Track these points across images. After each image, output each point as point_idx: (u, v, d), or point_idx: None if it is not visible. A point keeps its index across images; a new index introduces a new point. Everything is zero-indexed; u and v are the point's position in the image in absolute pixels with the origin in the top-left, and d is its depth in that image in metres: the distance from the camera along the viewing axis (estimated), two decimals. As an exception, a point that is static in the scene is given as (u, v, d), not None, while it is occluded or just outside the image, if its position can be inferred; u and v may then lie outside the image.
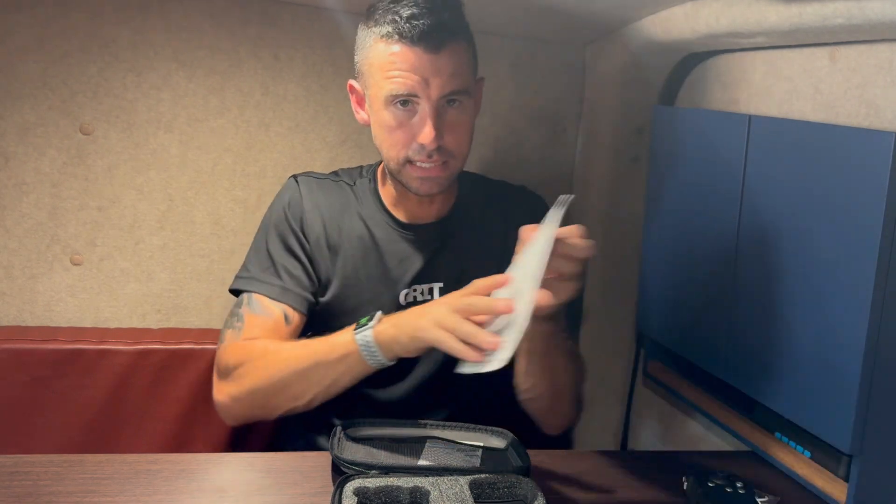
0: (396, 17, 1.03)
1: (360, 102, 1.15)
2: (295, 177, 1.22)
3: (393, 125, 1.07)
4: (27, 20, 1.32)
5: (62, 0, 1.33)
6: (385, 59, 1.05)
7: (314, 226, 1.17)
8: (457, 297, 0.92)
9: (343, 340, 1.00)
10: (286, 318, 1.12)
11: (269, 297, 1.13)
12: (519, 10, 1.33)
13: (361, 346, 0.97)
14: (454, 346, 0.87)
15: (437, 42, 1.03)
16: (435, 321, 0.90)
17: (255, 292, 1.14)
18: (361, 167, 1.27)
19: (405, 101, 1.05)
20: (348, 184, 1.22)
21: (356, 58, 1.12)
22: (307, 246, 1.16)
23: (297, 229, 1.16)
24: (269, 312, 1.12)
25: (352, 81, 1.15)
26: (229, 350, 1.10)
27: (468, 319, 0.88)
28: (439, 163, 1.08)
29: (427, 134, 1.05)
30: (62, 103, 1.36)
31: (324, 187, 1.20)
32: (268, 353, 1.06)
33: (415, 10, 1.02)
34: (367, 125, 1.14)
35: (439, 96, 1.05)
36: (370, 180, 1.22)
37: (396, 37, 1.03)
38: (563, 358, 1.11)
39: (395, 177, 1.13)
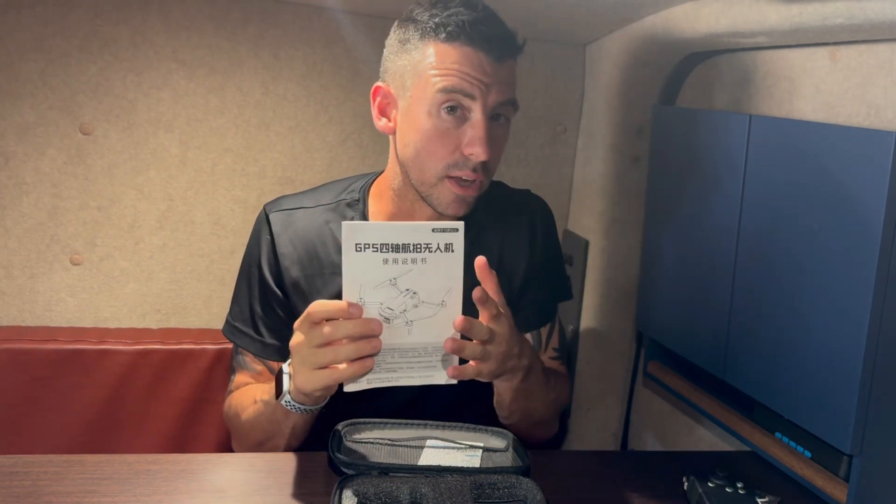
0: (460, 20, 0.98)
1: (385, 109, 1.07)
2: (267, 212, 1.14)
3: (437, 132, 0.99)
4: (27, 19, 1.32)
5: (62, 0, 1.33)
6: (441, 58, 0.98)
7: (290, 270, 1.11)
8: (299, 336, 0.88)
9: (275, 404, 0.99)
10: (270, 370, 1.13)
11: (252, 353, 1.13)
12: (519, 9, 1.33)
13: (290, 408, 0.97)
14: (343, 375, 0.86)
15: (500, 51, 0.99)
16: (305, 369, 0.87)
17: (239, 346, 1.14)
18: (352, 181, 1.18)
19: (453, 108, 0.99)
20: (327, 204, 1.14)
21: (389, 59, 1.05)
22: (283, 294, 1.12)
23: (272, 277, 1.12)
24: (252, 367, 1.14)
25: (380, 84, 1.07)
26: (225, 404, 1.15)
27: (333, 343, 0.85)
28: (480, 180, 1.02)
29: (481, 143, 0.98)
30: (62, 103, 1.36)
31: (297, 220, 1.13)
32: (237, 416, 1.09)
33: (479, 16, 0.99)
34: (389, 133, 1.08)
35: (497, 102, 0.99)
36: (360, 200, 1.14)
37: (461, 38, 0.98)
38: (542, 394, 1.09)
39: (424, 194, 1.05)
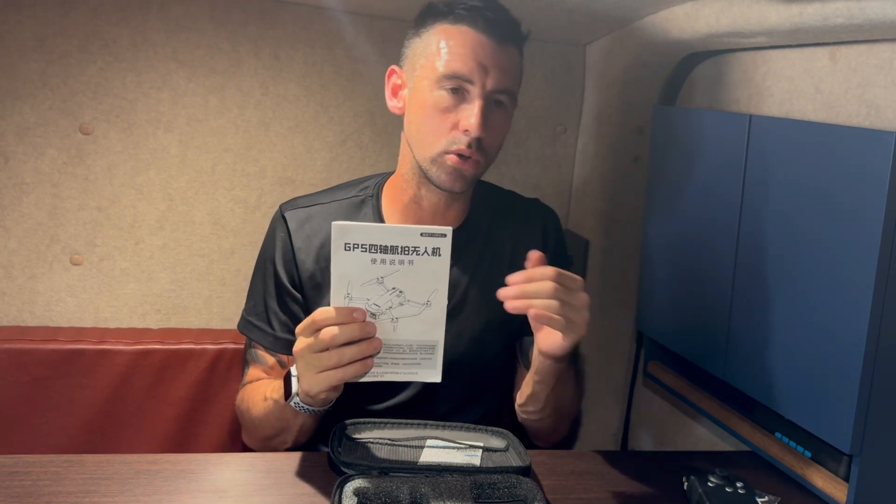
0: (468, 5, 1.05)
1: (397, 90, 1.13)
2: (283, 210, 1.17)
3: (437, 109, 1.05)
4: (27, 20, 1.32)
5: (62, 0, 1.33)
6: (446, 41, 1.05)
7: (306, 263, 1.13)
8: (304, 342, 0.89)
9: (284, 405, 1.00)
10: (281, 363, 1.15)
11: (264, 347, 1.15)
12: (519, 10, 1.33)
13: (299, 409, 0.98)
14: (345, 374, 0.87)
15: (502, 34, 1.05)
16: (310, 373, 0.89)
17: (252, 340, 1.16)
18: (366, 180, 1.21)
19: (454, 89, 1.04)
20: (342, 200, 1.17)
21: (406, 43, 1.12)
22: (298, 291, 1.13)
23: (288, 273, 1.13)
24: (265, 361, 1.15)
25: (395, 66, 1.14)
26: (238, 396, 1.17)
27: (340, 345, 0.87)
28: (475, 157, 1.06)
29: (474, 121, 1.03)
30: (62, 103, 1.36)
31: (313, 217, 1.15)
32: (248, 410, 1.11)
33: (486, 3, 1.06)
34: (399, 113, 1.13)
35: (493, 88, 1.04)
36: (373, 196, 1.17)
37: (465, 20, 1.04)
38: (571, 384, 1.12)
39: (423, 169, 1.09)
